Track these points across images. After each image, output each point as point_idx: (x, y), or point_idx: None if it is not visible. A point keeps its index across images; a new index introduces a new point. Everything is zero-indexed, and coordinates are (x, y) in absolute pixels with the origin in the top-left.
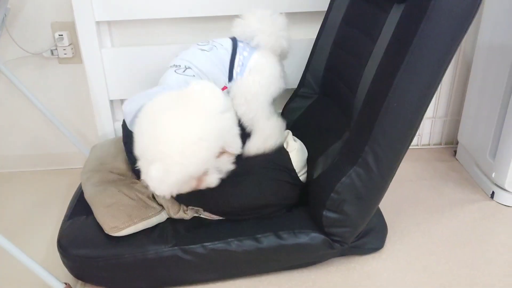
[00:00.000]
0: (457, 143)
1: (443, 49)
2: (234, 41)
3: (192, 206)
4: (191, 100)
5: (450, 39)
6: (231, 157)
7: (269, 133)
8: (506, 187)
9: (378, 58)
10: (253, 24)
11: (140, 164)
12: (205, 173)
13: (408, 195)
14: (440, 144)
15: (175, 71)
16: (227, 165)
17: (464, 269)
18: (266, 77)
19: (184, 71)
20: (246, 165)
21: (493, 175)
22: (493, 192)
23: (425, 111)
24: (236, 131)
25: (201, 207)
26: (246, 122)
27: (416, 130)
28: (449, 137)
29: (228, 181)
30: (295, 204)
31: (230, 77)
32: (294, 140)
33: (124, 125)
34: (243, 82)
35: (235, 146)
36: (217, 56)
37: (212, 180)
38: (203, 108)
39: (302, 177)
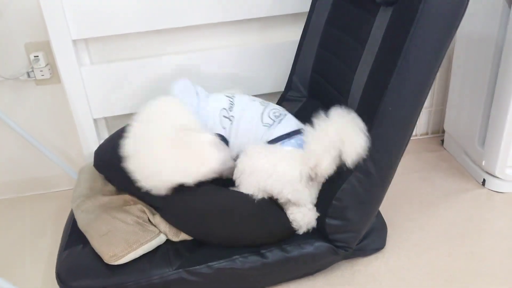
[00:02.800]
0: (443, 131)
1: (434, 51)
2: (298, 131)
3: (196, 238)
4: None
5: (440, 41)
6: None
7: None
8: (497, 174)
9: (369, 63)
10: None
11: None
12: None
13: (402, 190)
14: (427, 134)
15: (222, 108)
16: None
17: (465, 261)
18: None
19: (225, 117)
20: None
21: (483, 163)
22: (484, 180)
23: (420, 111)
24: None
25: (202, 238)
26: None
27: (413, 130)
28: (435, 127)
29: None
30: None
31: None
32: None
33: (98, 151)
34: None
35: None
36: (264, 133)
37: None
38: None
39: None
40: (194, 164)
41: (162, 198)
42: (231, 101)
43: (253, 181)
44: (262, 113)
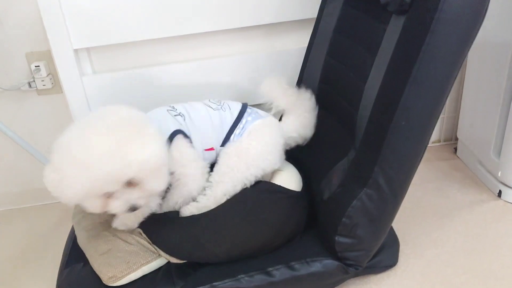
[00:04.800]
0: (456, 139)
1: (450, 62)
2: (244, 106)
3: (194, 260)
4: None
5: (457, 51)
6: (143, 194)
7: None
8: None
9: (381, 73)
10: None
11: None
12: (109, 195)
13: (415, 201)
14: (439, 141)
15: (167, 110)
16: (139, 200)
17: (483, 279)
18: (263, 144)
19: (175, 115)
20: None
21: (499, 174)
22: (500, 191)
23: (435, 124)
24: (164, 172)
25: (205, 261)
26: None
27: (427, 144)
28: (448, 134)
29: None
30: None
31: (226, 141)
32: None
33: None
34: (238, 143)
35: (153, 186)
36: (220, 117)
37: (115, 207)
38: (116, 129)
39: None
40: (134, 150)
41: (153, 232)
42: (170, 106)
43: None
44: (204, 103)
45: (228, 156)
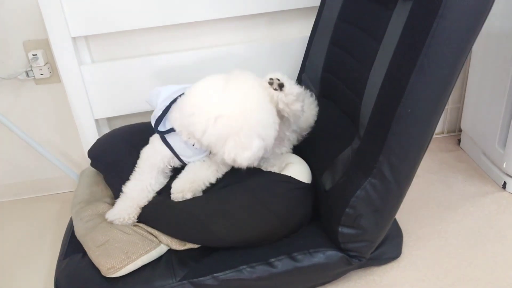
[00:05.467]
0: (460, 130)
1: (457, 48)
2: None
3: (197, 243)
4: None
5: (465, 37)
6: None
7: None
8: None
9: (386, 61)
10: None
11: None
12: None
13: (418, 193)
14: (443, 132)
15: None
16: None
17: (488, 271)
18: None
19: None
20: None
21: (504, 165)
22: (504, 183)
23: (441, 113)
24: None
25: (207, 244)
26: None
27: (433, 133)
28: (451, 125)
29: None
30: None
31: None
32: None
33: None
34: None
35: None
36: None
37: None
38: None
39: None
40: None
41: (155, 210)
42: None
43: None
44: None
45: None
